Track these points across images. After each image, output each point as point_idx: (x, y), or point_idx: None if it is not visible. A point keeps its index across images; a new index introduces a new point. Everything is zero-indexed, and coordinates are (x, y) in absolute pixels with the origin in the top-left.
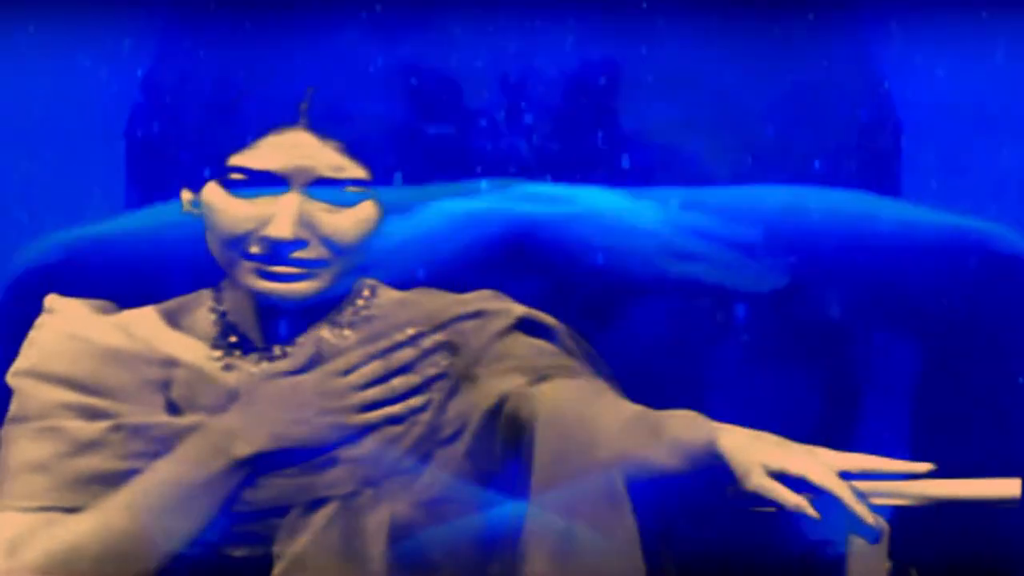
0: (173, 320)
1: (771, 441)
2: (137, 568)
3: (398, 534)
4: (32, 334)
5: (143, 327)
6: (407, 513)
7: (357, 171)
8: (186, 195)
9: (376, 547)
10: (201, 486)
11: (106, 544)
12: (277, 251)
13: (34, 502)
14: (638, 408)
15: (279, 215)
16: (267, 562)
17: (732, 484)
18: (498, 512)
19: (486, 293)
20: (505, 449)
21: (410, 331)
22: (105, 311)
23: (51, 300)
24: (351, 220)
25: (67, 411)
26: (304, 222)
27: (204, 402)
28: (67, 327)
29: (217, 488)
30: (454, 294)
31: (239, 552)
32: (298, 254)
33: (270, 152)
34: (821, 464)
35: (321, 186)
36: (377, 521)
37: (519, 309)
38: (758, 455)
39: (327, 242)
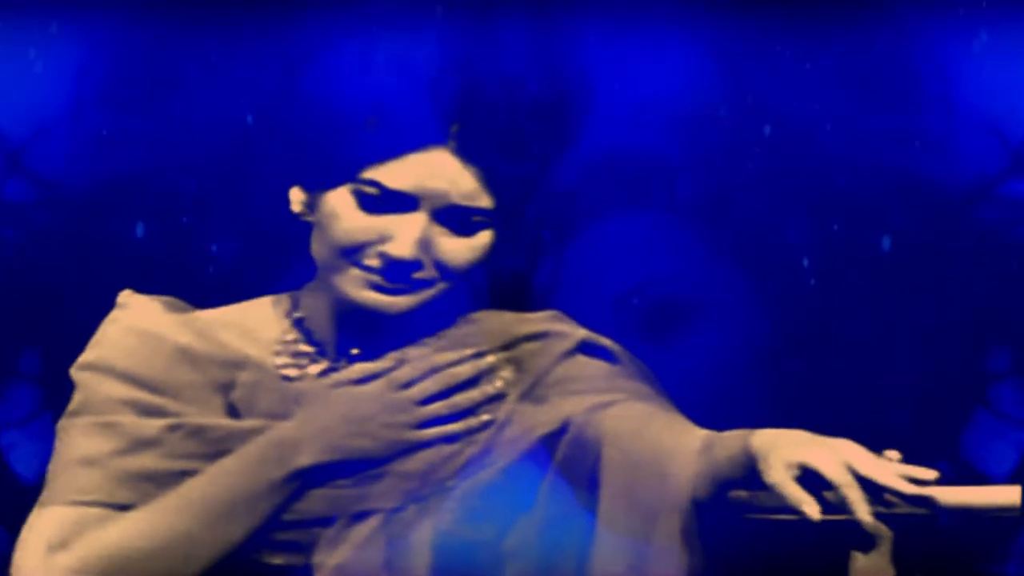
0: (246, 323)
1: (798, 437)
2: (186, 570)
3: (441, 550)
4: (102, 328)
5: (213, 328)
6: (452, 529)
7: (485, 200)
8: (297, 195)
9: (420, 562)
10: (257, 494)
11: (155, 546)
12: (393, 269)
13: (84, 496)
14: (706, 433)
15: (402, 235)
16: (306, 571)
17: (735, 489)
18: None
19: (550, 314)
20: (564, 472)
21: (472, 349)
22: (178, 309)
23: (124, 296)
24: (467, 247)
25: (127, 407)
26: (424, 244)
27: (264, 407)
28: (137, 323)
29: (272, 496)
30: (518, 314)
31: (278, 560)
32: (412, 274)
33: (409, 171)
34: (838, 460)
35: (449, 211)
36: (421, 536)
37: (581, 332)
38: (782, 451)
39: (438, 264)
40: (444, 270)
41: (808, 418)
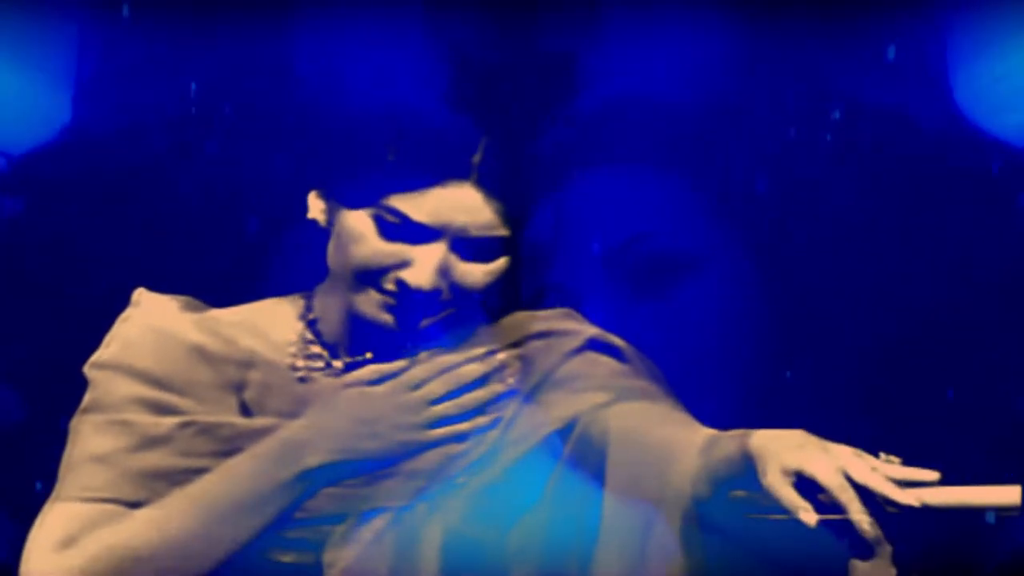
0: (259, 323)
1: (794, 440)
2: (194, 569)
3: (449, 549)
4: (116, 327)
5: (227, 327)
6: (460, 527)
7: (502, 230)
8: (316, 202)
9: (429, 559)
10: (266, 494)
11: (164, 544)
12: (411, 296)
13: (95, 494)
14: (711, 432)
15: (421, 264)
16: (316, 570)
17: (737, 488)
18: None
19: (560, 312)
20: (568, 470)
21: (482, 348)
22: (192, 308)
23: (139, 294)
24: (483, 273)
25: (139, 405)
26: (443, 273)
27: (276, 406)
28: (151, 322)
29: (282, 496)
30: (527, 312)
31: (287, 558)
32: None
33: (433, 205)
34: (834, 466)
35: (468, 241)
36: (430, 534)
37: (590, 330)
38: (778, 455)
39: (454, 288)
40: (459, 293)
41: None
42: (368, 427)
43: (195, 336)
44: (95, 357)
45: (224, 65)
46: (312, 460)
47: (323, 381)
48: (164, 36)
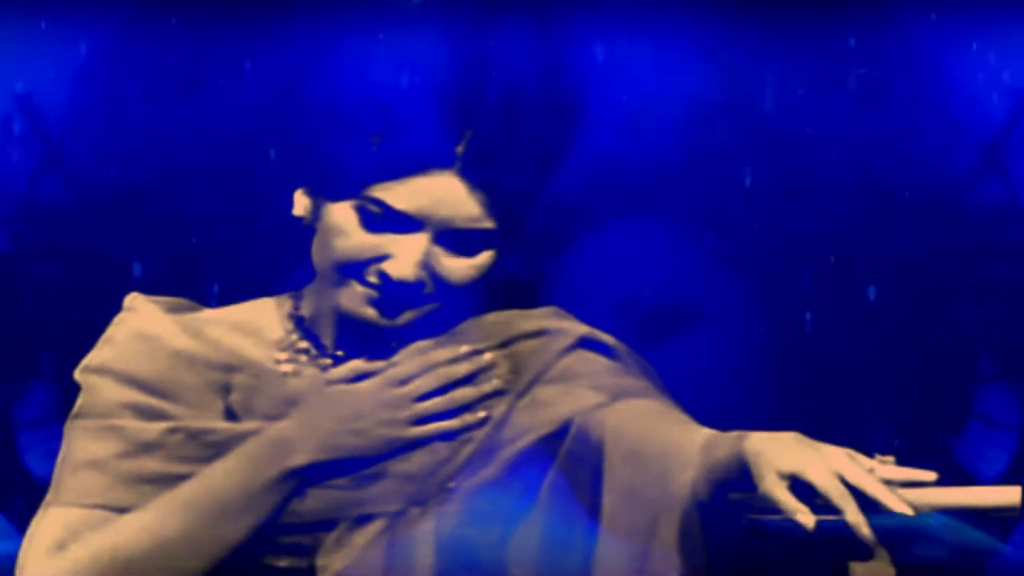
0: (248, 323)
1: (789, 443)
2: (185, 572)
3: (444, 552)
4: (108, 332)
5: (215, 328)
6: (453, 531)
7: (488, 222)
8: (301, 199)
9: (423, 564)
10: (254, 494)
11: (155, 547)
12: (394, 288)
13: (88, 499)
14: (708, 432)
15: (404, 256)
16: (310, 574)
17: (734, 490)
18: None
19: (550, 311)
20: (566, 471)
21: (470, 346)
22: (184, 310)
23: (131, 299)
24: (468, 266)
25: (130, 411)
26: (426, 265)
27: (262, 409)
28: (140, 326)
29: (269, 496)
30: (518, 311)
31: (281, 562)
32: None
33: (415, 194)
34: (828, 470)
35: (452, 233)
36: (424, 539)
37: (581, 328)
38: (773, 460)
39: (438, 282)
40: (443, 287)
41: (803, 425)
42: (353, 424)
43: (181, 341)
44: (86, 362)
45: (205, 58)
46: (297, 459)
47: (309, 380)
48: (144, 32)
